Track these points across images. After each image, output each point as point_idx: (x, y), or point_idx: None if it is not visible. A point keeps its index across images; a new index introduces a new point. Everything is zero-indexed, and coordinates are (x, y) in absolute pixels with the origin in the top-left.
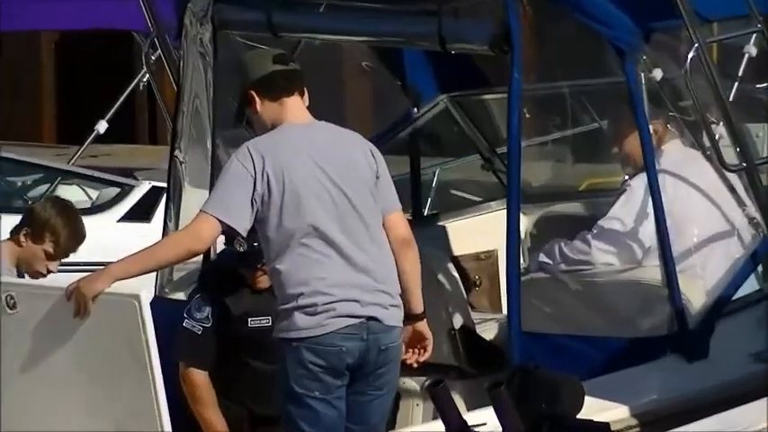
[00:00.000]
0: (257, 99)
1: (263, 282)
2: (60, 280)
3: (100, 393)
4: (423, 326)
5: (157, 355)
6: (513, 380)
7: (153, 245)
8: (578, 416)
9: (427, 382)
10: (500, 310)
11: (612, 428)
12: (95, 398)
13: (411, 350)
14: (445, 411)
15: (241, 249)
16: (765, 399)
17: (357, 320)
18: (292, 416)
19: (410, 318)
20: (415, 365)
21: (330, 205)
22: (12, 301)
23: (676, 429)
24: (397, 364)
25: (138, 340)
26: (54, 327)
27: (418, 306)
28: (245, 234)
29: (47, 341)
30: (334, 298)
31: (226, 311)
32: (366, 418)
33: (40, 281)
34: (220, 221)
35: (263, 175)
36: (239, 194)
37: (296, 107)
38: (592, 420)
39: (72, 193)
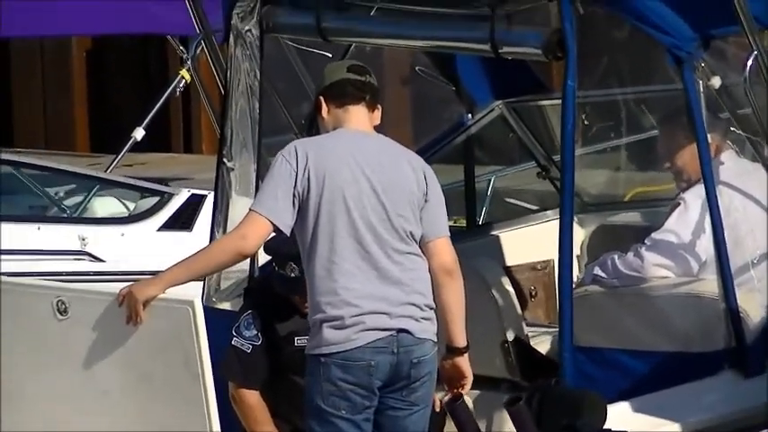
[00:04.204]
0: (324, 105)
1: None
2: (112, 285)
3: (150, 401)
4: (463, 362)
5: (210, 363)
6: (534, 396)
7: (202, 249)
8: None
9: (446, 398)
10: (556, 322)
11: None
12: (145, 406)
13: (448, 388)
14: (464, 427)
15: (292, 275)
16: None
17: (386, 333)
18: None
19: (450, 351)
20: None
21: (367, 212)
22: (63, 306)
23: None
24: (433, 379)
25: (191, 348)
26: (105, 333)
27: (460, 339)
28: (287, 232)
29: (98, 347)
30: (362, 310)
31: (273, 331)
32: None
33: (92, 286)
34: (268, 220)
35: (304, 171)
36: (283, 190)
37: (359, 116)
38: (609, 430)
39: (109, 203)
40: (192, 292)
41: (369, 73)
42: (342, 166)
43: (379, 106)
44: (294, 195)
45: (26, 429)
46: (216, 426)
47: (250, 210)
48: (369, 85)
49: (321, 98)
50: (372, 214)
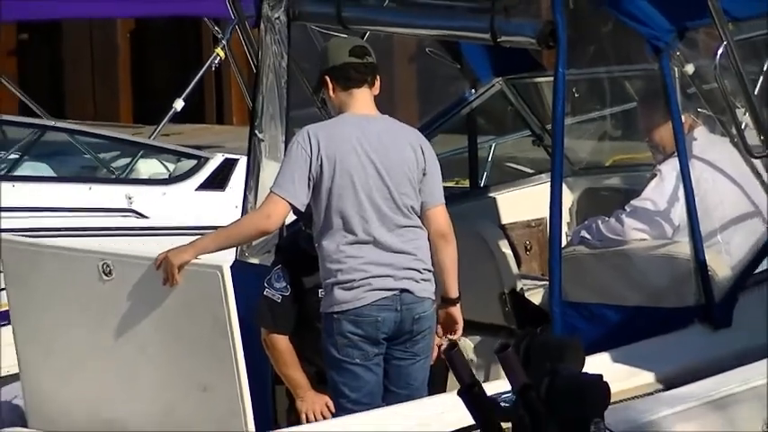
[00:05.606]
0: (330, 85)
1: None
2: (152, 250)
3: (183, 358)
4: (455, 310)
5: (238, 322)
6: (521, 342)
7: (231, 224)
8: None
9: (443, 346)
10: (548, 275)
11: (642, 392)
12: (179, 362)
13: (442, 333)
14: (459, 371)
15: None
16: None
17: (391, 293)
18: (336, 382)
19: (445, 301)
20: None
21: (372, 193)
22: (108, 268)
23: (676, 390)
24: (432, 333)
25: (220, 308)
26: (144, 293)
27: (453, 292)
28: (303, 209)
29: (137, 306)
30: (369, 274)
31: (300, 283)
32: (408, 381)
33: (133, 250)
34: (287, 201)
35: (317, 157)
36: (299, 174)
37: (362, 99)
38: (586, 372)
39: (152, 166)
40: (222, 258)
41: (368, 53)
42: (350, 152)
43: (378, 77)
44: (309, 178)
45: (70, 381)
46: (245, 385)
47: (271, 191)
48: (369, 66)
49: (327, 78)
50: (377, 194)
